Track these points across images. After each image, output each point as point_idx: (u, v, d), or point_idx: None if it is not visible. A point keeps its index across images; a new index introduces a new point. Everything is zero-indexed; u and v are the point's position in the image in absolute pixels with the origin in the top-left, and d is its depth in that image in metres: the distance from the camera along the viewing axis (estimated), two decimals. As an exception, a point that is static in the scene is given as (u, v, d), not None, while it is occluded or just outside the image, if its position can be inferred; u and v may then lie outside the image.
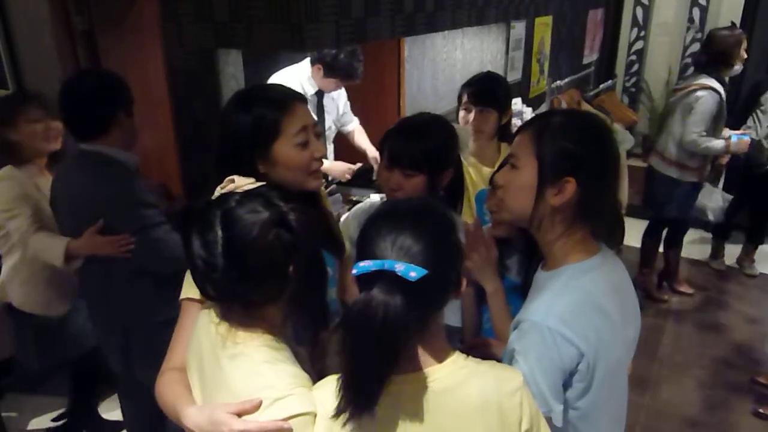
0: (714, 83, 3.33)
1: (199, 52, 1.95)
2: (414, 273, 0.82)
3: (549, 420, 1.02)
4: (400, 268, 0.83)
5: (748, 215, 4.19)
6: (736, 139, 3.38)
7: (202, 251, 0.96)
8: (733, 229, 4.31)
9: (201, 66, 1.96)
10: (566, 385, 1.07)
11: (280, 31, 1.37)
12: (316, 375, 1.02)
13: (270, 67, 2.68)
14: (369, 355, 0.84)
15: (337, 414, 0.86)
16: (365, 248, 0.89)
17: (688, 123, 3.35)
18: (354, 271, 0.86)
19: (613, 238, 1.21)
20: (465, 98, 2.12)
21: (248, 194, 1.00)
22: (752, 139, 3.56)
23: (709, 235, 4.54)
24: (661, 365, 3.30)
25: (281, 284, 1.00)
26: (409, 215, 0.92)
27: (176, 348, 1.17)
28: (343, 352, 0.85)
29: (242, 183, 1.03)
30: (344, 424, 0.87)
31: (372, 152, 3.04)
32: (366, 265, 0.84)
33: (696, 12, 5.61)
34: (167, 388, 1.10)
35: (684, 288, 4.08)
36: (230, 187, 1.03)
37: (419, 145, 1.46)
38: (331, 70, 2.65)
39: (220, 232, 0.94)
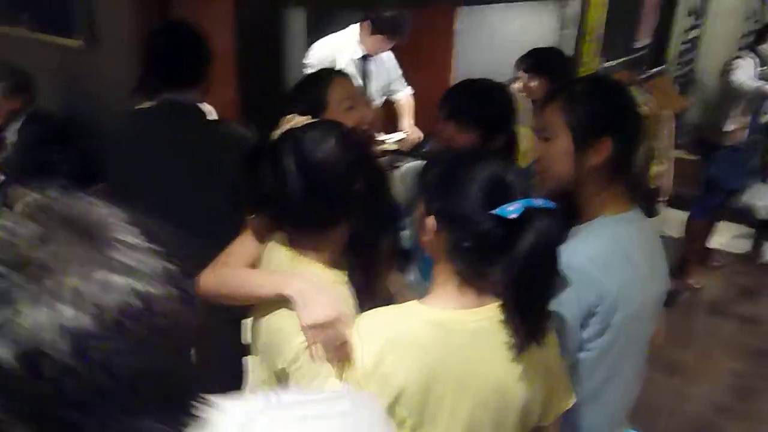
0: (745, 53, 3.69)
1: (267, 8, 2.01)
2: (551, 203, 0.93)
3: None
4: (539, 202, 0.92)
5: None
6: None
7: (277, 179, 1.04)
8: (777, 224, 4.24)
9: (267, 21, 2.03)
10: (583, 325, 1.14)
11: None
12: (371, 292, 1.10)
13: (331, 26, 2.75)
14: (546, 282, 0.95)
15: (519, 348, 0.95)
16: (484, 196, 0.94)
17: (729, 80, 3.58)
18: (512, 215, 0.90)
19: (647, 209, 1.29)
20: (519, 67, 2.16)
21: (310, 125, 1.10)
22: None
23: (751, 230, 4.48)
24: (693, 351, 3.30)
25: (351, 201, 1.07)
26: (493, 158, 1.02)
27: (232, 256, 1.19)
28: (514, 286, 0.92)
29: (300, 119, 1.12)
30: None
31: (405, 127, 3.08)
32: (516, 207, 0.90)
33: (757, 1, 5.44)
34: (238, 273, 1.13)
35: (693, 280, 3.91)
36: (289, 125, 1.12)
37: (479, 104, 1.54)
38: (379, 25, 2.71)
39: (292, 158, 1.04)
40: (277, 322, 1.06)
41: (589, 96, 1.19)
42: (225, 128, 1.81)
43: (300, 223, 1.10)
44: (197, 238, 1.55)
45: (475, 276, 0.96)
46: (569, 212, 1.25)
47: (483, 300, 0.98)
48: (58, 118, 2.56)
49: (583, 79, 1.38)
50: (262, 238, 1.18)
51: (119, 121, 1.84)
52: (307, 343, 0.98)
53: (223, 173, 1.65)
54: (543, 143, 1.21)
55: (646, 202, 3.18)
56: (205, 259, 1.18)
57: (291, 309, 1.01)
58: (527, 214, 0.90)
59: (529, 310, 0.94)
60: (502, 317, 0.96)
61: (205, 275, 1.15)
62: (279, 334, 1.05)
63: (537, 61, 2.11)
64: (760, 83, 3.50)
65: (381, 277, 1.33)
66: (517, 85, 2.18)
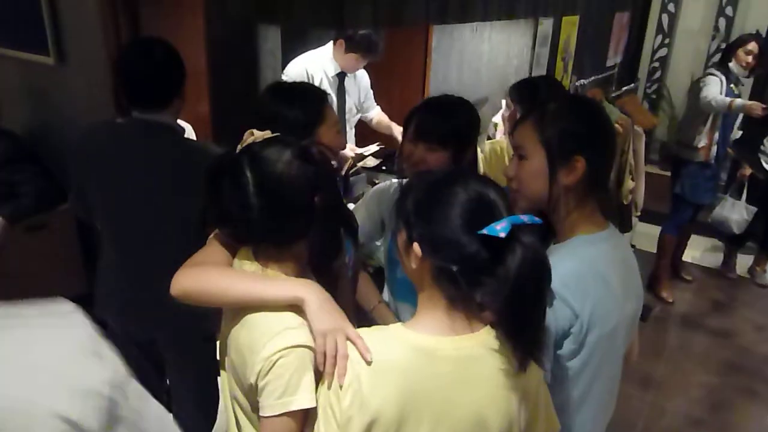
0: (714, 71, 3.75)
1: (240, 26, 2.01)
2: (536, 218, 0.91)
3: None
4: (525, 218, 0.90)
5: (762, 225, 4.22)
6: (741, 102, 3.64)
7: (236, 196, 1.04)
8: (747, 239, 4.34)
9: (240, 39, 2.02)
10: (558, 345, 1.13)
11: (321, 7, 1.43)
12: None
13: (305, 44, 2.75)
14: (539, 297, 0.92)
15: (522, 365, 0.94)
16: (470, 216, 0.92)
17: (699, 97, 3.65)
18: (501, 233, 0.88)
19: (621, 224, 1.28)
20: (509, 97, 2.13)
21: (269, 140, 1.10)
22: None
23: (722, 244, 4.57)
24: (666, 365, 3.34)
25: (309, 216, 1.06)
26: (472, 178, 0.99)
27: (205, 260, 1.15)
28: (508, 304, 0.90)
29: (261, 135, 1.12)
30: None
31: (397, 129, 3.10)
32: (504, 225, 0.88)
33: (722, 21, 5.62)
34: (225, 272, 1.09)
35: (666, 294, 4.04)
36: (250, 139, 1.11)
37: (446, 121, 1.54)
38: (352, 43, 2.73)
39: (249, 174, 1.03)
40: (245, 336, 1.04)
41: (564, 115, 1.17)
42: (198, 147, 1.79)
43: (261, 238, 1.09)
44: (169, 254, 1.50)
45: (464, 300, 0.94)
46: (545, 231, 1.25)
47: (473, 325, 0.96)
48: (23, 136, 2.50)
49: (556, 98, 1.38)
50: (229, 251, 1.17)
51: (89, 132, 1.78)
52: (279, 356, 0.97)
53: (194, 192, 1.64)
54: (518, 161, 1.20)
55: (620, 217, 3.22)
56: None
57: (287, 311, 1.01)
58: (513, 232, 0.88)
59: (525, 327, 0.93)
60: (495, 341, 0.95)
61: (183, 275, 1.10)
62: (247, 348, 1.03)
63: (527, 91, 2.08)
64: (729, 99, 3.59)
65: (345, 291, 1.32)
66: (504, 113, 2.15)
